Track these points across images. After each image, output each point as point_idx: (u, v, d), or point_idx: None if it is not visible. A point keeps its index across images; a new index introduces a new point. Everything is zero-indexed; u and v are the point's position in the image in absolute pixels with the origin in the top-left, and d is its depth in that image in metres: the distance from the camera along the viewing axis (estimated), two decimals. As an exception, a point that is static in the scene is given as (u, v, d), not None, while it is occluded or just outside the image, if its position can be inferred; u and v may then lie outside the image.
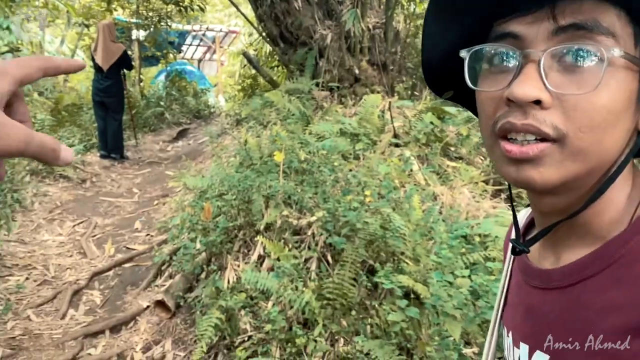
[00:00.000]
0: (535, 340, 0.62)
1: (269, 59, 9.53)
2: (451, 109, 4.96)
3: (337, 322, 2.55)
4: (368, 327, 2.49)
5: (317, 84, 6.62)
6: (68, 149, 0.48)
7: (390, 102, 4.63)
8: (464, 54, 0.59)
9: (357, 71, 7.02)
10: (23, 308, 3.35)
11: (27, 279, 3.70)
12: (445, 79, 0.69)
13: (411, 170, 3.99)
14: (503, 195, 4.37)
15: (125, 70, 7.00)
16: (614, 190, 0.57)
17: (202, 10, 9.79)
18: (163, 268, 3.75)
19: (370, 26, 7.06)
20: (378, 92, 6.47)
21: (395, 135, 4.71)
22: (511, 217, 0.73)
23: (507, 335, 0.71)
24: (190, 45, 15.61)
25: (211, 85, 13.73)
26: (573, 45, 0.51)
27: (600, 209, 0.57)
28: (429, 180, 4.02)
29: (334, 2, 7.15)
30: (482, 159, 4.91)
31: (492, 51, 0.56)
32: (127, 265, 3.96)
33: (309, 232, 3.28)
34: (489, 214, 3.70)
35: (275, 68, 8.98)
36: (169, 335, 3.09)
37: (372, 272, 2.72)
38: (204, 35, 14.83)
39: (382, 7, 7.40)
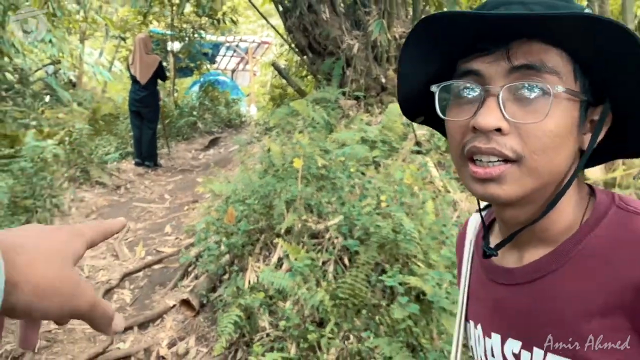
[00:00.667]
0: (506, 330, 0.74)
1: (299, 68, 9.74)
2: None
3: (349, 321, 2.66)
4: (379, 325, 2.59)
5: (343, 93, 6.75)
6: (120, 319, 0.49)
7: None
8: (434, 88, 0.70)
9: (383, 80, 7.12)
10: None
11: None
12: (420, 110, 0.80)
13: (430, 176, 4.07)
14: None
15: (160, 81, 7.29)
16: (564, 201, 0.69)
17: (235, 23, 10.07)
18: (189, 269, 3.93)
19: (397, 35, 7.15)
20: (402, 101, 6.55)
21: (417, 143, 4.79)
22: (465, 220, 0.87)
23: (475, 327, 0.82)
24: (224, 56, 15.98)
25: (243, 95, 14.03)
26: (525, 83, 0.62)
27: (554, 217, 0.69)
28: (449, 187, 4.09)
29: (361, 13, 7.28)
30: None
31: (459, 86, 0.67)
32: (156, 266, 4.16)
33: (327, 236, 3.40)
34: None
35: (305, 78, 9.17)
36: (193, 332, 3.25)
37: (383, 273, 2.82)
38: (237, 46, 15.18)
39: (408, 16, 7.50)
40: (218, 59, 15.82)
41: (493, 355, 0.76)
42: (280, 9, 7.85)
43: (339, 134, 4.49)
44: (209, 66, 12.53)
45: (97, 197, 5.93)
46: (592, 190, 0.72)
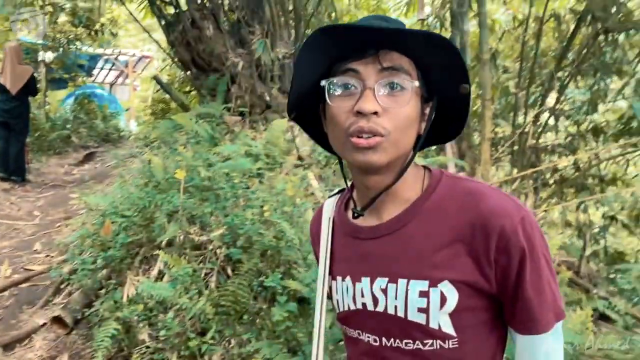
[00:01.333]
0: (375, 273, 0.93)
1: (182, 84, 9.61)
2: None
3: (231, 327, 2.71)
4: (260, 330, 2.67)
5: (228, 109, 6.79)
6: None
7: (294, 127, 4.89)
8: (324, 82, 0.90)
9: (267, 98, 7.27)
10: None
11: None
12: (297, 107, 1.00)
13: (311, 188, 4.26)
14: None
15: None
16: (409, 172, 0.94)
17: (114, 35, 9.73)
18: (62, 286, 3.73)
19: (280, 56, 7.35)
20: (283, 118, 6.73)
21: (299, 158, 4.98)
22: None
23: (343, 280, 0.99)
24: (102, 69, 15.28)
25: (122, 109, 13.49)
26: (393, 80, 0.87)
27: (403, 184, 0.93)
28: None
29: (245, 32, 7.41)
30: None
31: (345, 81, 0.88)
32: (24, 285, 3.89)
33: (210, 247, 3.43)
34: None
35: (188, 93, 9.07)
36: (66, 350, 3.10)
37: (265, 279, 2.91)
38: (116, 59, 14.59)
39: (291, 38, 7.75)
40: (95, 71, 15.10)
41: (362, 296, 0.94)
42: (163, 23, 7.75)
43: (222, 147, 4.54)
44: (85, 78, 11.92)
45: (-47, 214, 5.40)
46: (426, 168, 0.98)
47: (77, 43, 10.12)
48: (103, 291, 3.37)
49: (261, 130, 6.73)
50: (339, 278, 1.01)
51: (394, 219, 0.93)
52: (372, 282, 0.93)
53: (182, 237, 3.38)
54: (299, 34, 7.46)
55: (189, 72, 7.84)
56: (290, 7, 7.78)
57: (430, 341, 0.88)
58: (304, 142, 5.50)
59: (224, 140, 5.63)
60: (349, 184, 1.05)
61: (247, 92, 7.26)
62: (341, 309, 1.00)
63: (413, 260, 0.90)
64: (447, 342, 0.88)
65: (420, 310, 0.88)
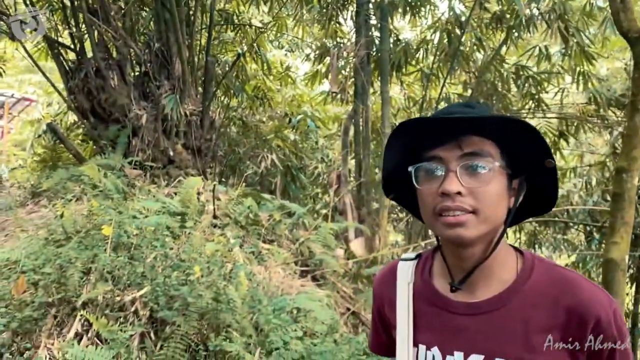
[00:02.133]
0: (469, 348, 0.99)
1: (70, 132, 9.09)
2: (266, 196, 5.42)
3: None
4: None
5: (129, 162, 6.57)
6: None
7: (214, 186, 4.89)
8: (411, 168, 1.01)
9: (171, 153, 7.15)
10: None
11: None
12: (392, 188, 1.13)
13: (232, 250, 4.24)
14: (309, 276, 4.85)
15: None
16: (501, 248, 1.01)
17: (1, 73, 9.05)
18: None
19: (188, 112, 7.33)
20: (192, 175, 6.66)
21: (215, 217, 4.94)
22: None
23: (429, 349, 1.05)
24: (-28, 107, 13.97)
25: (-6, 154, 12.34)
26: (473, 162, 0.96)
27: (496, 262, 1.01)
28: (247, 260, 4.30)
29: (152, 86, 7.31)
30: (291, 242, 5.39)
31: (429, 167, 0.99)
32: None
33: (132, 309, 3.26)
34: (300, 291, 4.10)
35: (82, 143, 8.61)
36: None
37: (203, 343, 2.84)
38: (-10, 99, 13.46)
39: (199, 96, 7.78)
40: (-37, 109, 13.75)
41: None
42: (63, 68, 7.40)
43: (140, 202, 4.39)
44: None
45: None
46: (514, 248, 1.07)
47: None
48: (9, 356, 3.03)
49: (163, 185, 6.59)
50: (421, 346, 1.06)
51: (494, 298, 1.01)
52: (466, 357, 1.00)
53: (103, 297, 3.19)
54: (208, 92, 7.52)
55: (86, 121, 7.49)
56: (201, 66, 7.86)
57: None
58: (208, 200, 5.47)
59: (132, 194, 5.43)
60: (425, 252, 1.15)
61: (150, 146, 7.10)
62: None
63: (510, 341, 0.96)
64: None
65: None
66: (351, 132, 7.63)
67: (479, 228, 0.96)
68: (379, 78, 7.28)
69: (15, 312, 3.04)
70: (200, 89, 7.87)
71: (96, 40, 7.19)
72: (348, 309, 4.65)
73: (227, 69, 7.67)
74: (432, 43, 7.60)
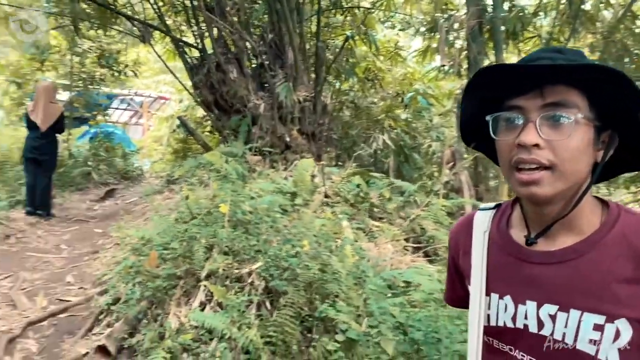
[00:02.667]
0: (543, 297, 0.95)
1: (200, 125, 9.86)
2: (376, 174, 5.48)
3: (280, 358, 2.79)
4: (308, 360, 2.75)
5: (250, 149, 6.98)
6: None
7: (322, 166, 5.06)
8: (488, 118, 0.97)
9: (288, 139, 7.48)
10: (-46, 356, 3.29)
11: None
12: (473, 134, 1.08)
13: (341, 226, 4.38)
14: (420, 253, 4.85)
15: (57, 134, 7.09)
16: (585, 202, 0.95)
17: (136, 75, 10.05)
18: (101, 317, 3.80)
19: (301, 99, 7.59)
20: (308, 159, 6.91)
21: (326, 196, 5.13)
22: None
23: (501, 298, 1.01)
24: (117, 108, 15.64)
25: (136, 148, 13.74)
26: (555, 113, 0.89)
27: (578, 213, 0.95)
28: (357, 237, 4.42)
29: (267, 75, 7.68)
30: (402, 219, 5.41)
31: (508, 116, 0.94)
32: (62, 315, 3.96)
33: (249, 280, 3.53)
34: (410, 266, 4.12)
35: (208, 134, 9.30)
36: (110, 379, 3.15)
37: (311, 311, 3.00)
38: (132, 99, 14.96)
39: (311, 82, 8.02)
40: (110, 111, 15.44)
41: (526, 318, 0.97)
42: (188, 65, 8.04)
43: (255, 184, 4.69)
44: (104, 117, 12.21)
45: (-16, 246, 5.51)
46: (602, 201, 1.00)
47: (100, 83, 10.44)
48: (146, 321, 3.45)
49: (281, 169, 6.90)
50: (494, 295, 1.03)
51: (569, 248, 0.95)
52: (539, 307, 0.96)
53: (224, 269, 3.48)
54: (319, 78, 7.73)
55: (211, 113, 8.08)
56: (312, 53, 8.08)
57: None
58: (327, 182, 5.66)
59: (251, 178, 5.79)
60: (505, 202, 1.11)
61: (268, 133, 7.48)
62: (493, 324, 1.03)
63: (589, 293, 0.91)
64: None
65: (591, 342, 0.90)
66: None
67: (555, 185, 0.90)
68: (493, 48, 6.97)
69: (147, 282, 3.45)
70: (312, 75, 8.11)
71: (215, 37, 7.73)
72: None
73: (337, 53, 7.79)
74: (550, 6, 7.10)
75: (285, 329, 2.85)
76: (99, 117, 11.41)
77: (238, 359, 2.87)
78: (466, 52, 7.07)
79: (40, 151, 6.70)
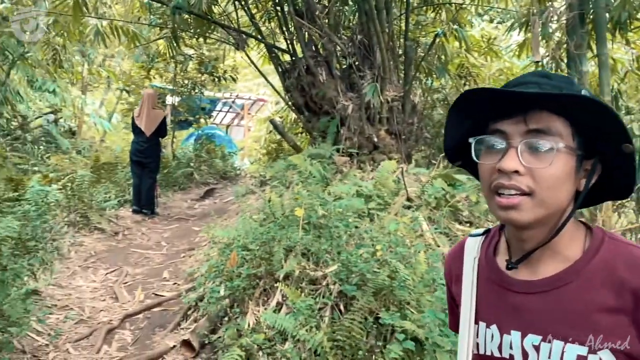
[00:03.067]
0: (526, 328, 0.94)
1: (294, 125, 10.13)
2: (462, 177, 5.32)
3: (346, 361, 2.83)
4: (374, 366, 2.76)
5: (337, 150, 7.05)
6: None
7: (403, 168, 5.01)
8: (471, 140, 0.96)
9: (375, 139, 7.46)
10: (62, 342, 3.68)
11: (67, 318, 4.04)
12: (459, 156, 1.07)
13: (421, 230, 4.32)
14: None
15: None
16: (567, 228, 0.94)
17: (234, 80, 10.53)
18: (189, 312, 4.07)
19: (389, 98, 7.54)
20: (395, 160, 6.86)
21: (408, 199, 5.06)
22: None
23: (488, 327, 1.01)
24: (220, 111, 16.46)
25: (237, 149, 14.39)
26: (537, 140, 0.89)
27: (561, 240, 0.94)
28: (438, 241, 4.33)
29: (356, 76, 7.72)
30: (491, 222, 5.21)
31: (490, 140, 0.94)
32: (156, 309, 4.29)
33: (324, 283, 3.60)
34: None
35: (300, 134, 9.53)
36: (193, 372, 3.37)
37: (378, 318, 3.01)
38: (233, 102, 15.68)
39: (400, 81, 7.94)
40: (214, 113, 16.29)
41: (511, 348, 0.96)
42: (280, 69, 8.30)
43: (335, 187, 4.75)
44: (207, 120, 12.93)
45: (95, 242, 6.08)
46: (586, 225, 0.98)
47: (202, 88, 11.08)
48: (227, 319, 3.64)
49: (368, 170, 6.90)
50: (482, 323, 1.02)
51: (553, 276, 0.94)
52: (523, 337, 0.95)
53: (299, 272, 3.58)
54: (408, 77, 7.63)
55: (301, 115, 8.28)
56: (400, 52, 8.01)
57: None
58: (412, 184, 5.59)
59: (334, 179, 5.87)
60: (494, 227, 1.09)
61: (356, 133, 7.51)
62: (482, 352, 1.02)
63: (571, 323, 0.90)
64: None
65: None
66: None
67: (535, 211, 0.89)
68: (596, 40, 6.47)
69: (227, 281, 3.63)
70: (401, 74, 8.03)
71: (305, 40, 7.90)
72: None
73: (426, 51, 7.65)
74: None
75: (352, 333, 2.88)
76: (202, 121, 12.07)
77: (305, 358, 2.94)
78: (565, 45, 6.63)
79: (145, 154, 7.25)
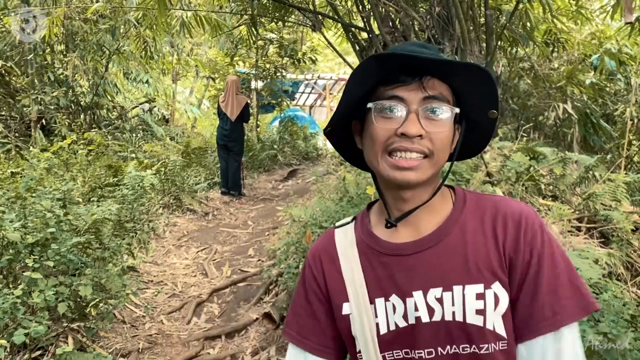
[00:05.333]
0: (426, 284, 0.97)
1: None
2: (545, 150, 5.11)
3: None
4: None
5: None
6: None
7: (481, 143, 4.88)
8: (370, 105, 0.98)
9: (456, 114, 7.31)
10: (157, 314, 4.02)
11: (159, 292, 4.39)
12: (341, 121, 1.08)
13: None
14: (596, 233, 4.43)
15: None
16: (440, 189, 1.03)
17: (314, 62, 10.65)
18: (271, 287, 4.28)
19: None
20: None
21: (488, 174, 4.94)
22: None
23: (387, 301, 0.99)
24: (303, 92, 16.72)
25: (320, 130, 14.59)
26: (435, 107, 0.96)
27: (437, 199, 1.02)
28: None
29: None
30: (578, 197, 4.97)
31: (389, 105, 0.97)
32: (241, 284, 4.55)
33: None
34: (576, 249, 3.82)
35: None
36: (274, 343, 3.56)
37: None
38: (315, 83, 15.86)
39: (482, 52, 7.67)
40: (297, 95, 16.57)
41: (417, 310, 0.96)
42: (357, 48, 8.29)
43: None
44: (289, 102, 13.20)
45: (188, 222, 6.49)
46: (446, 185, 1.07)
47: (283, 71, 11.32)
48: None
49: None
50: (379, 300, 1.00)
51: (436, 230, 1.00)
52: (425, 294, 0.96)
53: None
54: (490, 47, 7.36)
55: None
56: (482, 22, 7.71)
57: (485, 345, 0.93)
58: (496, 158, 5.43)
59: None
60: (359, 213, 1.13)
61: (436, 108, 7.39)
62: (384, 331, 0.99)
63: (463, 267, 0.96)
64: (498, 343, 0.93)
65: (477, 312, 0.93)
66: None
67: (428, 172, 0.96)
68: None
69: (303, 258, 3.77)
70: (483, 45, 7.74)
71: (381, 17, 7.82)
72: (645, 270, 4.10)
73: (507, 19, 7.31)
74: None
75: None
76: (284, 103, 12.35)
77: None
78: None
79: (229, 138, 7.59)
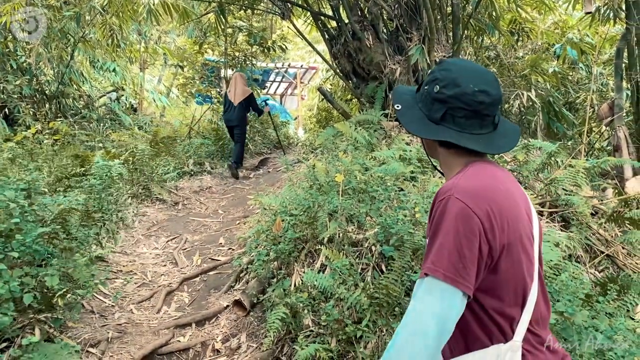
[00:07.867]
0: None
1: (344, 92, 10.15)
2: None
3: (384, 318, 2.95)
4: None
5: (386, 115, 7.06)
6: None
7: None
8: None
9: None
10: (127, 304, 4.01)
11: (129, 282, 4.38)
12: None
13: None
14: (557, 217, 4.58)
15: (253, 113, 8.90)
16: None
17: (284, 50, 10.62)
18: (241, 275, 4.31)
19: (437, 59, 7.42)
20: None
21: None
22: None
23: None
24: (274, 81, 16.64)
25: (292, 118, 14.57)
26: None
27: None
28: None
29: (403, 39, 7.62)
30: (541, 182, 5.12)
31: None
32: (211, 273, 4.57)
33: (365, 245, 3.71)
34: (538, 233, 3.95)
35: (350, 101, 9.56)
36: (244, 329, 3.61)
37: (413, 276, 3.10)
38: (286, 72, 15.80)
39: (449, 41, 7.77)
40: (268, 84, 16.49)
41: None
42: (326, 36, 8.30)
43: (379, 152, 4.81)
44: (259, 91, 13.13)
45: (157, 212, 6.45)
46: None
47: (252, 59, 11.24)
48: (274, 280, 3.84)
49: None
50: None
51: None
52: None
53: (341, 235, 3.71)
54: (456, 36, 7.46)
55: (349, 82, 8.29)
56: (449, 10, 7.81)
57: None
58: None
59: (381, 145, 5.91)
60: None
61: (404, 97, 7.47)
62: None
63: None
64: None
65: None
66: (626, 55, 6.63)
67: None
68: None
69: (277, 246, 3.82)
70: (450, 34, 7.85)
71: (350, 5, 7.84)
72: (602, 252, 4.28)
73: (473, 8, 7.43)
74: None
75: (390, 291, 2.99)
76: (255, 92, 12.28)
77: (347, 315, 3.09)
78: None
79: (232, 120, 8.38)
